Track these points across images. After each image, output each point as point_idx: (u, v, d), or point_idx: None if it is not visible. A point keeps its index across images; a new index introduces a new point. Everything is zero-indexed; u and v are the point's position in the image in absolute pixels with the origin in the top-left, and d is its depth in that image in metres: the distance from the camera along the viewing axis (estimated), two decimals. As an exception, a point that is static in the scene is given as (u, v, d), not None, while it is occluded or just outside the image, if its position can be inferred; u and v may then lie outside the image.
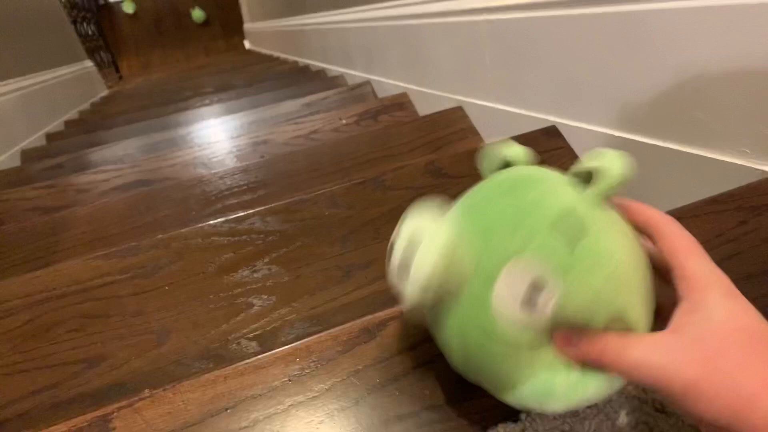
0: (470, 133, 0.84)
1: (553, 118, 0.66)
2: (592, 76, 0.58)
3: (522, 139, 0.64)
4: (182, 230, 0.54)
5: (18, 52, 1.65)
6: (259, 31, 3.41)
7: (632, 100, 0.53)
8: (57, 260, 0.69)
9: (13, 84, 1.49)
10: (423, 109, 1.06)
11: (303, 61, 2.16)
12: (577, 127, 0.62)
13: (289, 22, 2.36)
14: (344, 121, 1.06)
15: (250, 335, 0.48)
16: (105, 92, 2.71)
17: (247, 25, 4.07)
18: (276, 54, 2.93)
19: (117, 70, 3.76)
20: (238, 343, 0.47)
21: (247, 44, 4.37)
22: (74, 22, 2.92)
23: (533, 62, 0.67)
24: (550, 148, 0.63)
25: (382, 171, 0.61)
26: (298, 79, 1.79)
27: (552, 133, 0.64)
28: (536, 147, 0.63)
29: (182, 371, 0.46)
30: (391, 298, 0.51)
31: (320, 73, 1.79)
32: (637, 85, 0.51)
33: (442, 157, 0.62)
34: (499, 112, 0.77)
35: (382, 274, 0.52)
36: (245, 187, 0.77)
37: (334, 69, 1.66)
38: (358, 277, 0.52)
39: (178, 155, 0.99)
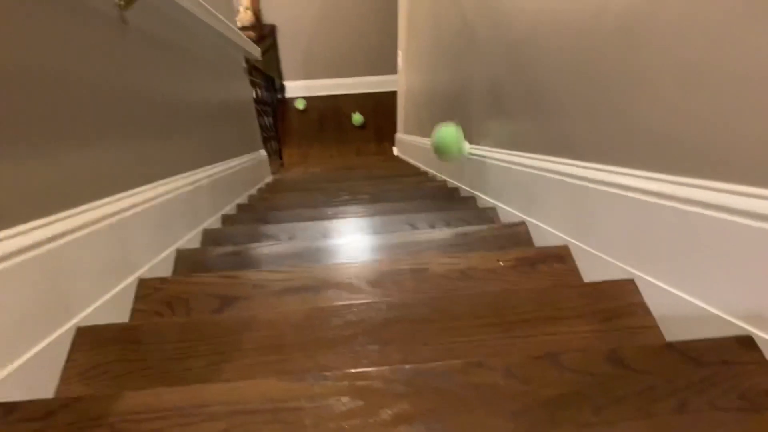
0: (641, 309, 0.82)
1: (747, 327, 0.63)
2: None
3: (709, 344, 0.61)
4: (367, 369, 0.58)
5: (220, 143, 1.94)
6: (409, 142, 3.66)
7: None
8: (238, 358, 0.76)
9: (210, 170, 1.74)
10: (584, 266, 1.05)
11: (452, 182, 2.27)
12: (779, 343, 0.58)
13: (445, 143, 2.52)
14: (501, 264, 1.09)
15: (419, 499, 0.49)
16: (270, 179, 3.03)
17: (399, 135, 4.39)
18: (423, 168, 3.11)
19: (280, 158, 4.21)
20: (407, 506, 0.48)
21: (395, 150, 4.70)
22: (258, 114, 3.37)
23: (731, 264, 0.65)
24: (744, 361, 0.59)
25: (560, 346, 0.61)
26: (448, 202, 1.87)
27: (746, 344, 0.61)
28: (726, 356, 0.60)
29: None
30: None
31: (470, 200, 1.86)
32: None
33: (626, 347, 0.60)
34: (678, 299, 0.74)
35: (554, 464, 0.51)
36: (409, 320, 0.81)
37: (486, 199, 1.72)
38: (529, 461, 0.51)
39: (343, 268, 1.07)
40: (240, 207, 2.04)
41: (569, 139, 1.11)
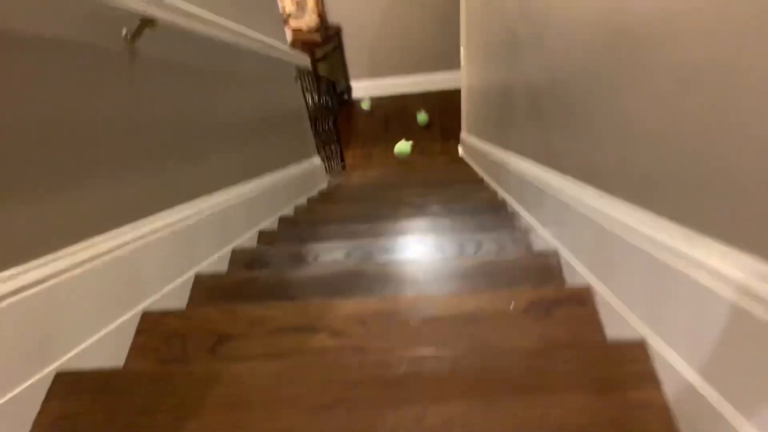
0: (649, 381, 0.70)
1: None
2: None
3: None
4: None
5: (261, 156, 1.95)
6: (472, 145, 3.53)
7: None
8: (200, 415, 0.74)
9: (248, 185, 1.75)
10: (606, 313, 0.93)
11: (502, 194, 2.14)
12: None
13: (494, 150, 2.40)
14: (512, 306, 0.99)
15: None
16: (324, 185, 3.04)
17: (464, 135, 4.26)
18: (481, 173, 2.99)
19: (342, 160, 4.23)
20: None
21: (460, 150, 4.57)
22: (316, 120, 3.39)
23: (753, 362, 0.53)
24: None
25: (542, 426, 0.53)
26: (493, 218, 1.77)
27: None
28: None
29: None
30: None
31: (512, 218, 1.74)
32: None
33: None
34: (693, 380, 0.63)
35: None
36: (383, 381, 0.75)
37: (528, 218, 1.60)
38: None
39: (342, 306, 1.02)
40: (282, 220, 2.04)
41: (600, 168, 0.99)
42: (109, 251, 0.98)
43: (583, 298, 0.99)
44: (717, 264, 0.58)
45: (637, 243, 0.77)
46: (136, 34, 1.09)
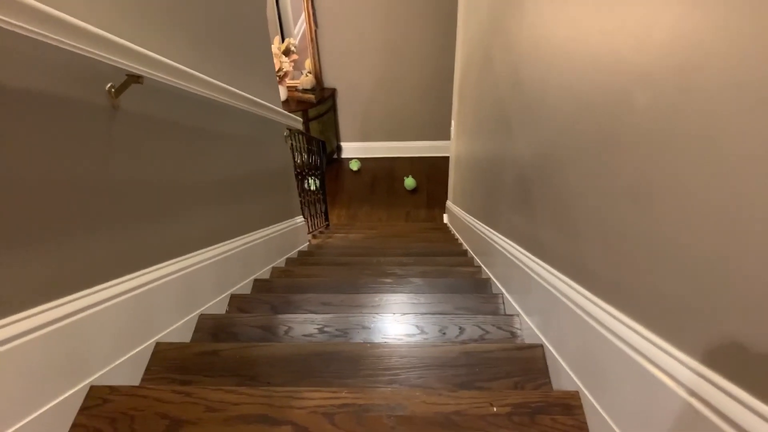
0: None
1: None
2: None
3: None
4: None
5: (240, 216, 1.89)
6: (457, 214, 3.52)
7: None
8: None
9: (222, 247, 1.68)
10: (594, 425, 0.86)
11: (486, 272, 2.09)
12: None
13: (479, 225, 2.37)
14: (495, 410, 0.92)
15: None
16: (305, 245, 2.97)
17: (449, 203, 4.27)
18: (465, 244, 2.95)
19: (326, 219, 4.18)
20: None
21: (445, 218, 4.57)
22: (303, 178, 3.35)
23: None
24: None
25: None
26: (476, 298, 1.71)
27: None
28: None
29: None
30: None
31: (497, 299, 1.69)
32: None
33: None
34: None
35: None
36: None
37: (511, 303, 1.54)
38: None
39: (308, 396, 0.94)
40: (256, 284, 1.96)
41: (588, 268, 0.95)
42: (52, 322, 0.88)
43: (571, 406, 0.92)
44: (714, 397, 0.52)
45: (630, 355, 0.72)
46: (121, 89, 1.05)
